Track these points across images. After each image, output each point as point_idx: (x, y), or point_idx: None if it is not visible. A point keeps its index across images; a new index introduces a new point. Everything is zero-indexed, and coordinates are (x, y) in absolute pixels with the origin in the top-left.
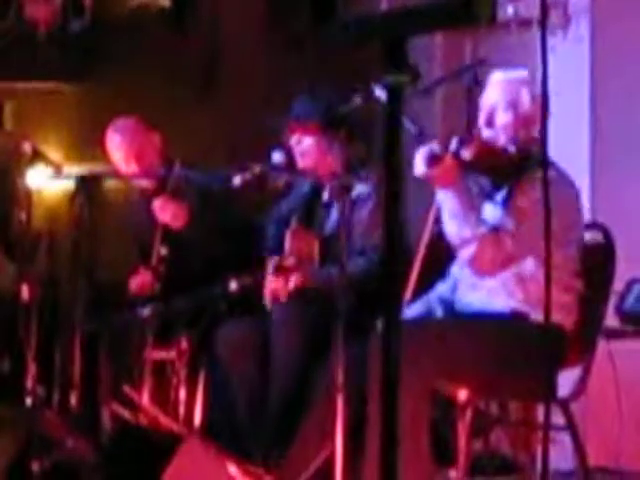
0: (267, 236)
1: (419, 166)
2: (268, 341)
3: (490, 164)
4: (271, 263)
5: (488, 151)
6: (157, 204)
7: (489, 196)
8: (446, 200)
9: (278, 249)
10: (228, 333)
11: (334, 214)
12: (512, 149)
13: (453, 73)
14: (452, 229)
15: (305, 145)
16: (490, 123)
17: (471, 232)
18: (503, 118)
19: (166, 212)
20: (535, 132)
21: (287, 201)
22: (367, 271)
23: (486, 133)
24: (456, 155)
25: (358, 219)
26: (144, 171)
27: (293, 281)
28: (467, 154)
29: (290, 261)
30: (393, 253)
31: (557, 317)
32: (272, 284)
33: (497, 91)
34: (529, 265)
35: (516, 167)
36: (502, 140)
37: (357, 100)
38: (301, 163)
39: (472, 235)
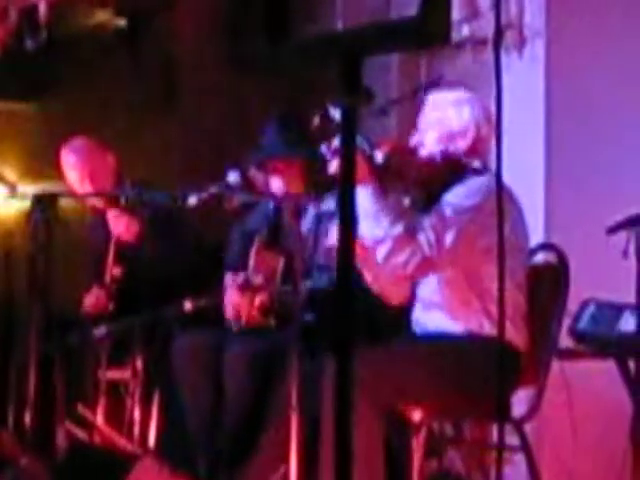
0: (230, 252)
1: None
2: (222, 355)
3: (416, 175)
4: (235, 279)
5: (404, 153)
6: (111, 215)
7: (423, 210)
8: (358, 198)
9: (241, 266)
10: (182, 344)
11: (304, 226)
12: (438, 158)
13: (408, 93)
14: (364, 229)
15: (284, 179)
16: (422, 144)
17: (384, 232)
18: (430, 139)
19: (120, 223)
20: (465, 146)
21: (251, 218)
22: (327, 290)
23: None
24: (370, 159)
25: (324, 235)
26: (98, 190)
27: (258, 301)
28: (380, 156)
29: (258, 280)
30: (348, 274)
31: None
32: (236, 300)
33: (426, 113)
34: (449, 275)
35: (445, 177)
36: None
37: (315, 120)
38: (279, 192)
39: (385, 234)
